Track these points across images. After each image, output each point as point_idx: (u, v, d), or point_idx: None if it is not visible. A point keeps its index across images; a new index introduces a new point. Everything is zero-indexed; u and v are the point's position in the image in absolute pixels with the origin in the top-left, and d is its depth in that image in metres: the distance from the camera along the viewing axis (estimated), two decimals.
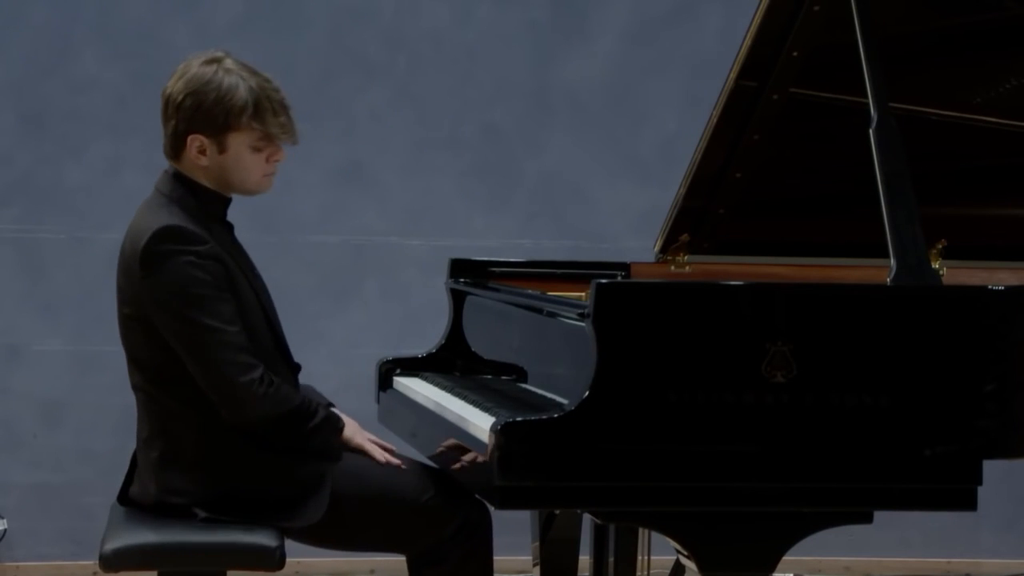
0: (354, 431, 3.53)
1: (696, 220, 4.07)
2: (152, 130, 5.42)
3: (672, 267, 4.13)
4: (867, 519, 3.12)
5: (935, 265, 3.97)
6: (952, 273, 4.04)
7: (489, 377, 3.76)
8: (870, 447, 3.06)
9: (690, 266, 4.14)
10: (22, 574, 5.40)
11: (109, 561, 3.28)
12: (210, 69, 3.37)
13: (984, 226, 4.18)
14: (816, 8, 3.62)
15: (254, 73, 3.41)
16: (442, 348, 4.05)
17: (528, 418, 2.98)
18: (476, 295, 4.01)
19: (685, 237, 4.11)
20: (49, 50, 5.39)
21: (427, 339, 4.14)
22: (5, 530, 5.32)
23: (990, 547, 5.73)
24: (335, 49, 5.51)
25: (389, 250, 5.57)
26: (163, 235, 3.29)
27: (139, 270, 3.30)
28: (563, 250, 5.45)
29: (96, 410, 5.39)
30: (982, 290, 3.16)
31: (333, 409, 3.55)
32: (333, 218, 5.55)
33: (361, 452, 3.51)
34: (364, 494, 3.43)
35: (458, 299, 4.10)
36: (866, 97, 3.32)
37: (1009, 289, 3.15)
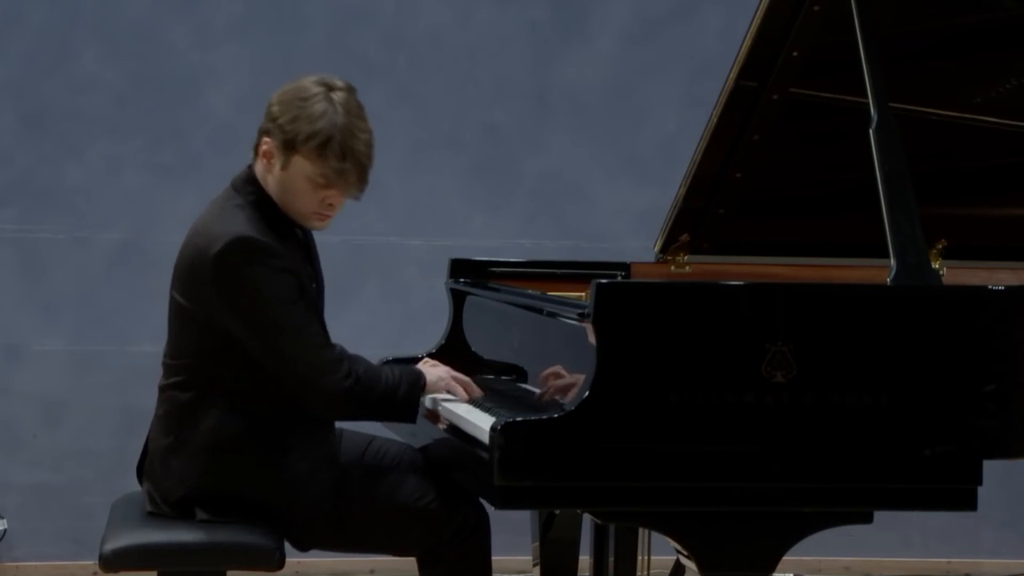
0: (434, 382, 3.46)
1: (696, 220, 4.07)
2: (152, 130, 5.47)
3: (672, 267, 4.13)
4: (867, 519, 3.12)
5: (935, 265, 3.97)
6: (952, 273, 4.04)
7: (489, 377, 3.76)
8: (870, 447, 3.06)
9: (690, 266, 4.13)
10: (22, 574, 5.41)
11: (109, 561, 3.28)
12: (316, 90, 3.36)
13: (984, 226, 4.18)
14: (816, 8, 3.62)
15: (355, 117, 3.36)
16: (442, 348, 4.04)
17: (528, 418, 2.98)
18: (476, 295, 4.01)
19: (685, 237, 4.10)
20: (49, 50, 5.39)
21: (427, 339, 4.14)
22: (5, 530, 5.32)
23: (990, 547, 5.74)
24: (335, 49, 5.51)
25: (389, 250, 5.57)
26: (236, 245, 3.27)
27: (211, 276, 3.29)
28: (563, 250, 5.45)
29: (96, 410, 5.39)
30: (982, 290, 3.16)
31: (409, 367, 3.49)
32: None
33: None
34: (362, 498, 3.43)
35: (458, 299, 4.10)
36: (866, 97, 3.32)
37: (1009, 289, 3.15)
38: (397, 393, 3.35)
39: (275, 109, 3.37)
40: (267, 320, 3.27)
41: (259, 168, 3.41)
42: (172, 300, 3.42)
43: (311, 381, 3.29)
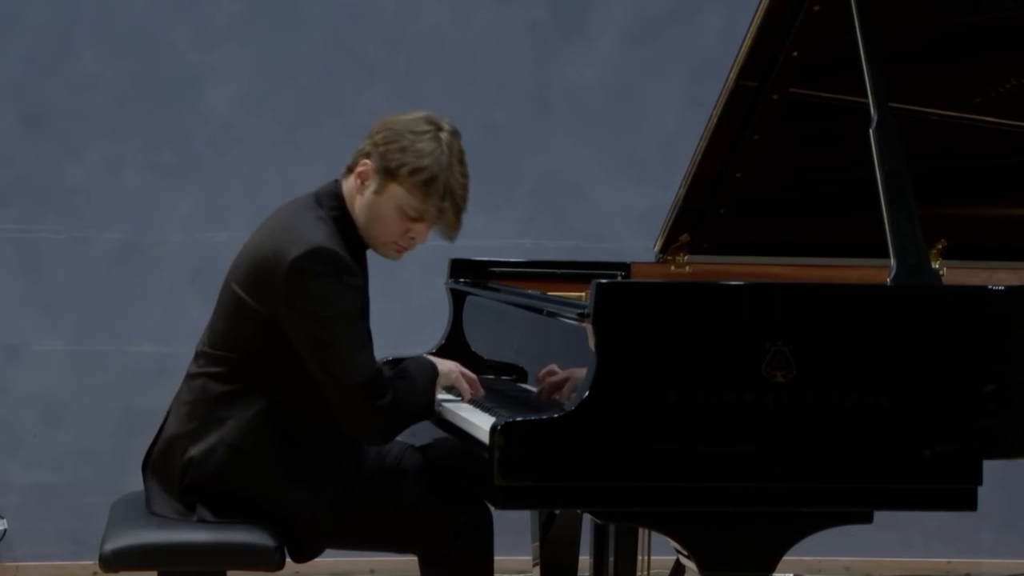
0: (445, 373, 3.47)
1: (696, 220, 4.07)
2: (152, 130, 5.47)
3: (672, 267, 4.13)
4: (867, 519, 3.12)
5: (935, 265, 3.97)
6: (952, 273, 4.04)
7: (489, 377, 3.76)
8: (870, 447, 3.06)
9: (690, 266, 4.14)
10: (22, 574, 5.41)
11: (109, 561, 3.28)
12: (425, 127, 3.39)
13: (984, 226, 4.18)
14: (816, 8, 3.62)
15: (457, 160, 3.41)
16: (442, 348, 4.04)
17: (528, 418, 2.98)
18: (476, 295, 4.01)
19: (685, 237, 4.10)
20: (49, 50, 5.39)
21: (427, 339, 4.14)
22: (5, 530, 5.32)
23: (990, 547, 5.73)
24: (335, 49, 5.51)
25: None
26: (317, 254, 3.29)
27: (284, 278, 3.29)
28: (563, 250, 5.45)
29: (96, 410, 5.39)
30: (982, 290, 3.16)
31: (416, 359, 3.51)
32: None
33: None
34: (367, 498, 3.44)
35: (458, 299, 4.10)
36: (866, 97, 3.32)
37: (1009, 289, 3.15)
38: (420, 404, 3.37)
39: (380, 136, 3.40)
40: (328, 333, 3.27)
41: (348, 186, 3.44)
42: (230, 293, 3.41)
43: (350, 405, 3.28)
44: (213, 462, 3.35)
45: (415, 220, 3.40)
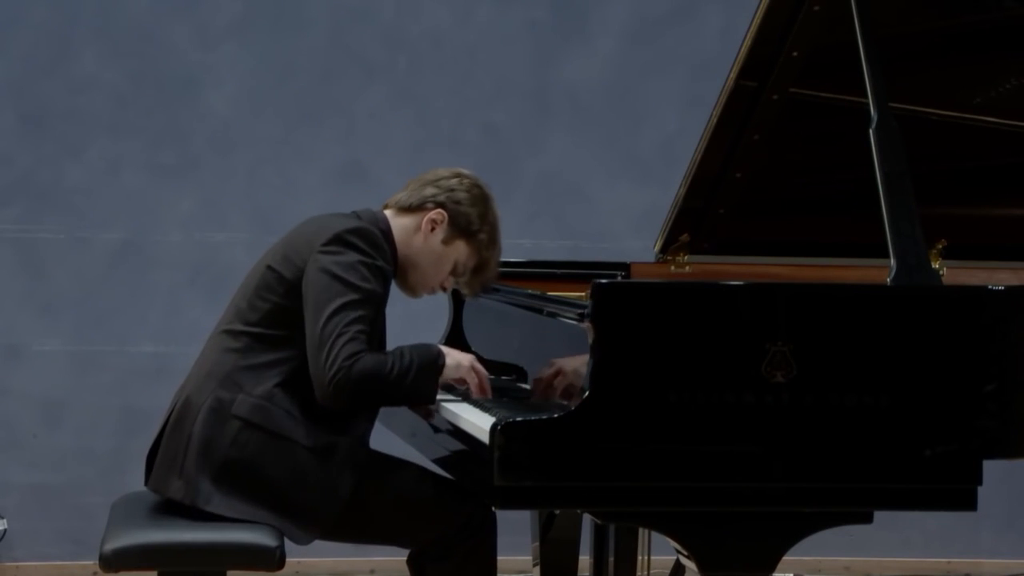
0: (454, 366, 3.47)
1: (696, 220, 4.07)
2: (152, 130, 5.47)
3: (672, 267, 4.14)
4: (867, 519, 3.12)
5: (935, 265, 3.97)
6: (952, 273, 4.04)
7: (490, 377, 3.76)
8: (870, 447, 3.06)
9: (690, 266, 4.14)
10: (22, 574, 5.41)
11: (109, 561, 3.28)
12: (492, 198, 3.59)
13: (984, 226, 4.18)
14: (816, 8, 3.63)
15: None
16: None
17: (528, 418, 2.98)
18: (476, 295, 4.01)
19: (685, 237, 4.11)
20: (49, 50, 5.39)
21: (427, 339, 4.12)
22: (5, 530, 5.32)
23: (990, 547, 5.74)
24: (335, 49, 5.51)
25: None
26: (361, 232, 3.41)
27: (324, 241, 3.39)
28: (563, 250, 5.45)
29: (96, 410, 5.39)
30: (982, 290, 3.16)
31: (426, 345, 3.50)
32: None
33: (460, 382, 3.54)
34: (367, 489, 3.43)
35: (458, 299, 4.10)
36: (866, 97, 3.32)
37: (1009, 289, 3.15)
38: (400, 385, 3.34)
39: (462, 196, 3.55)
40: (339, 298, 3.32)
41: (404, 223, 3.54)
42: (261, 271, 3.48)
43: (320, 356, 3.29)
44: (227, 437, 3.36)
45: (455, 276, 3.58)
